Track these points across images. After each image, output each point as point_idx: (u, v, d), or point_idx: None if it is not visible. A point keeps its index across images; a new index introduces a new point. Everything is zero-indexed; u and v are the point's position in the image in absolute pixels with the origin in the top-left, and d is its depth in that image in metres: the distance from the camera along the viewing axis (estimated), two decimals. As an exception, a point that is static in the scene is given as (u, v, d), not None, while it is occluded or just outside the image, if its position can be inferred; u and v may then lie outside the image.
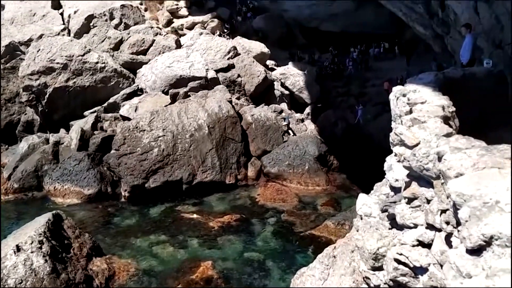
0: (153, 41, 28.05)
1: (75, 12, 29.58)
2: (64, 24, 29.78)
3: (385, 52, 37.67)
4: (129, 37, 28.18)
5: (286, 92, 27.96)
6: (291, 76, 28.80)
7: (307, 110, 27.50)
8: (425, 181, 3.40)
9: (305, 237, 15.18)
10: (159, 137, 20.30)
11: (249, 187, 20.46)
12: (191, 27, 33.23)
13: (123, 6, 30.14)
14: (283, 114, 24.94)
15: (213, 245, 14.70)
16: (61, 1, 31.41)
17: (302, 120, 25.99)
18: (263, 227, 16.35)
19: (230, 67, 26.45)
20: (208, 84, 24.29)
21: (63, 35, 28.28)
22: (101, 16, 29.09)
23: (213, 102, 21.99)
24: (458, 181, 2.42)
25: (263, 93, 26.82)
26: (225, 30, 34.14)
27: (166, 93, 23.96)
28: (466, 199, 2.21)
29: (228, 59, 27.34)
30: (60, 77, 23.75)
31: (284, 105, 26.80)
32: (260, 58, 29.05)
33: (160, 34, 29.74)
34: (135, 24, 30.15)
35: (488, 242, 1.93)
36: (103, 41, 27.95)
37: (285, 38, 36.92)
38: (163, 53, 27.02)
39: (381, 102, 24.21)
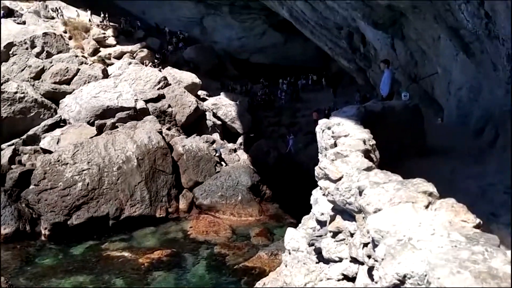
0: (78, 70, 27.03)
1: (-8, 40, 27.80)
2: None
3: (313, 84, 39.12)
4: (52, 66, 26.94)
5: (218, 122, 27.96)
6: (223, 106, 28.92)
7: (240, 140, 27.64)
8: (349, 214, 3.41)
9: (238, 269, 14.89)
10: (84, 170, 19.26)
11: (181, 220, 19.89)
12: (119, 57, 32.45)
13: (45, 34, 28.84)
14: (215, 145, 24.83)
15: (142, 284, 13.95)
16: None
17: (235, 150, 26.00)
18: (195, 261, 15.85)
19: (161, 97, 26.02)
20: (137, 114, 23.66)
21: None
22: (21, 44, 27.61)
23: (143, 133, 21.38)
24: (376, 217, 2.42)
25: (195, 124, 26.60)
26: (156, 60, 33.75)
27: (91, 124, 22.97)
28: (383, 235, 2.20)
29: (158, 89, 26.92)
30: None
31: (216, 135, 26.73)
32: (192, 89, 28.94)
33: (85, 63, 28.75)
34: (59, 52, 28.88)
35: (402, 281, 1.90)
36: (23, 70, 26.47)
37: (217, 68, 37.22)
38: (88, 82, 26.07)
39: (311, 132, 24.87)
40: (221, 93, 31.24)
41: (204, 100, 29.68)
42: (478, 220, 2.29)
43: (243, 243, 17.43)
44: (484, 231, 4.58)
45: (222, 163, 23.81)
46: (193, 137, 24.23)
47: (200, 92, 30.39)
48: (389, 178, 3.11)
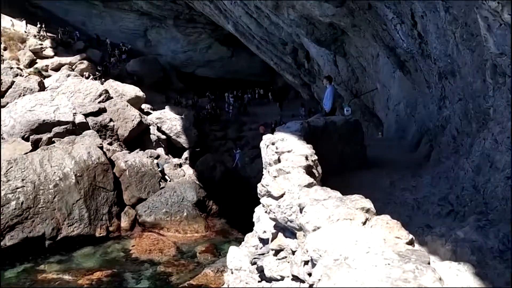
0: (13, 82, 25.61)
1: None
2: None
3: (259, 98, 39.53)
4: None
5: (163, 136, 27.41)
6: (168, 120, 28.42)
7: (185, 154, 27.22)
8: (290, 232, 3.38)
9: (183, 288, 14.52)
10: (17, 188, 18.12)
11: (123, 239, 19.15)
12: (57, 69, 31.12)
13: (-24, 44, 27.17)
14: (159, 159, 24.28)
15: (81, 307, 13.24)
16: None
17: (180, 165, 25.56)
18: (137, 281, 15.29)
19: (102, 111, 25.12)
20: (76, 129, 22.66)
21: None
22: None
23: (82, 149, 20.48)
24: (315, 235, 2.41)
25: (138, 138, 25.89)
26: (97, 73, 32.70)
27: (26, 139, 21.71)
28: (321, 255, 2.18)
29: (99, 102, 25.99)
30: None
31: (160, 150, 26.17)
32: (135, 102, 28.23)
33: (20, 75, 27.31)
34: (-9, 63, 27.26)
35: (338, 303, 1.87)
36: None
37: (161, 82, 36.62)
38: (23, 95, 24.74)
39: (258, 146, 25.03)
40: (166, 107, 30.72)
41: (148, 114, 29.04)
42: (410, 237, 2.33)
43: (189, 261, 17.06)
44: (419, 243, 4.73)
45: (167, 178, 23.29)
46: (136, 152, 23.54)
47: (144, 106, 29.71)
48: (328, 194, 3.13)
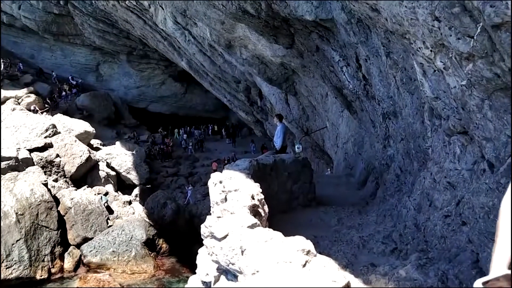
0: (-49, 115, 24.22)
1: None
2: None
3: (213, 134, 39.58)
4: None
5: (113, 173, 26.65)
6: (118, 156, 27.75)
7: (135, 191, 26.49)
8: (233, 275, 3.32)
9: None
10: (-51, 228, 16.86)
11: (65, 281, 18.11)
12: (2, 102, 29.85)
13: None
14: (99, 194, 23.40)
15: None
16: None
17: (130, 203, 24.79)
18: (79, 328, 14.37)
19: (48, 146, 24.18)
20: (19, 165, 21.61)
21: None
22: None
23: (24, 186, 19.49)
24: (253, 279, 2.38)
25: (86, 174, 25.03)
26: (46, 105, 31.69)
27: (-37, 175, 20.42)
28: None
29: (46, 137, 25.04)
30: None
31: (110, 187, 25.34)
32: (84, 137, 27.45)
33: (-39, 107, 25.93)
34: None
35: None
36: None
37: (113, 117, 35.98)
38: (-37, 129, 23.39)
39: (209, 183, 24.83)
40: (117, 142, 30.05)
41: (97, 149, 28.27)
42: (346, 280, 2.36)
43: (136, 303, 16.31)
44: (364, 282, 4.78)
45: (113, 215, 22.43)
46: (83, 189, 22.68)
47: (93, 141, 28.93)
48: (270, 236, 3.12)
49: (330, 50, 11.08)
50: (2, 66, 34.63)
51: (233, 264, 3.12)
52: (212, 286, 3.70)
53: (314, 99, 18.11)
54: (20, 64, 36.35)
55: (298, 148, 15.71)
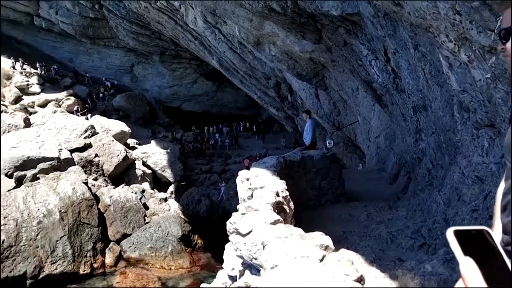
0: (-3, 119, 25.51)
1: None
2: None
3: (245, 131, 39.89)
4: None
5: (148, 171, 27.35)
6: (153, 154, 28.44)
7: (171, 188, 27.09)
8: (256, 269, 3.45)
9: (167, 326, 14.20)
10: (-2, 226, 17.81)
11: (107, 276, 18.78)
12: (43, 105, 31.22)
13: (-39, 81, 27.24)
14: (135, 189, 24.14)
15: None
16: None
17: (165, 200, 25.40)
18: (121, 320, 14.92)
19: (87, 146, 25.12)
20: (61, 165, 22.57)
21: None
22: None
23: (66, 185, 20.32)
24: (271, 273, 2.50)
25: (123, 173, 25.81)
26: (87, 106, 32.92)
27: (10, 176, 21.51)
28: (273, 294, 2.26)
29: (85, 138, 26.02)
30: None
31: (146, 185, 26.04)
32: (120, 137, 28.29)
33: (6, 112, 27.27)
34: (-24, 100, 27.27)
35: None
36: None
37: (147, 116, 36.87)
38: (8, 132, 24.65)
39: (242, 179, 25.07)
40: (152, 141, 30.80)
41: (133, 148, 29.06)
42: (359, 274, 2.44)
43: (174, 297, 16.76)
44: (390, 277, 4.81)
45: (149, 211, 23.07)
46: (121, 187, 23.42)
47: (129, 141, 29.76)
48: (290, 232, 3.23)
49: (358, 44, 11.00)
50: (39, 69, 36.15)
51: (255, 259, 3.25)
52: (237, 280, 3.84)
53: (345, 93, 17.97)
54: (55, 67, 37.76)
55: (329, 143, 15.69)
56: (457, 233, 0.92)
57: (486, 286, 0.78)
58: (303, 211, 6.51)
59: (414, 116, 9.77)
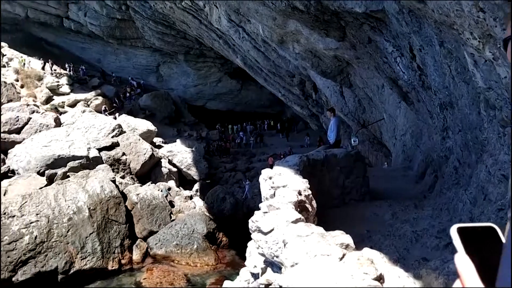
0: (29, 119, 26.39)
1: None
2: None
3: (269, 129, 39.95)
4: (1, 115, 26.17)
5: (174, 169, 27.74)
6: (179, 153, 28.82)
7: (196, 186, 27.42)
8: (278, 267, 3.50)
9: (193, 322, 14.42)
10: (32, 223, 18.42)
11: (134, 272, 19.17)
12: (73, 105, 32.07)
13: (-5, 82, 28.22)
14: (161, 186, 24.51)
15: None
16: None
17: (191, 197, 25.72)
18: (148, 316, 15.22)
19: (115, 145, 25.68)
20: (90, 163, 23.16)
21: None
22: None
23: (95, 182, 20.84)
24: (291, 271, 2.54)
25: (150, 171, 26.27)
26: (115, 105, 33.64)
27: (41, 174, 22.22)
28: (293, 292, 2.31)
29: (113, 137, 26.60)
30: None
31: (172, 183, 26.43)
32: (147, 136, 28.79)
33: (37, 112, 28.16)
34: (9, 101, 28.24)
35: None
36: (-32, 119, 25.55)
37: (173, 115, 37.38)
38: (40, 131, 25.46)
39: (267, 177, 25.13)
40: (177, 140, 31.22)
41: (159, 147, 29.53)
42: (379, 272, 2.45)
43: (199, 294, 16.98)
44: (414, 276, 4.78)
45: (175, 209, 23.41)
46: (147, 185, 23.85)
47: (155, 139, 30.26)
48: (311, 230, 3.26)
49: (382, 41, 10.87)
50: (68, 69, 37.14)
51: (277, 256, 3.30)
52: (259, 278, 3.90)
53: (370, 90, 17.78)
54: (83, 67, 38.67)
55: (354, 141, 15.57)
56: (462, 230, 0.93)
57: (482, 285, 0.80)
58: (326, 209, 6.52)
59: (440, 114, 9.61)
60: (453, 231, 0.93)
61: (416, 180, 11.32)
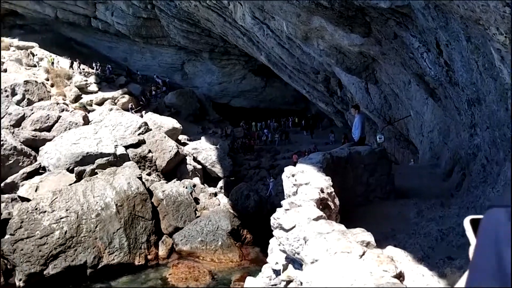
0: (59, 117, 27.11)
1: (-28, 88, 27.88)
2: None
3: (294, 126, 39.82)
4: (32, 113, 27.01)
5: (199, 166, 28.01)
6: (203, 150, 29.07)
7: (220, 183, 27.61)
8: (299, 264, 3.53)
9: (217, 318, 14.57)
10: (62, 218, 18.96)
11: (160, 267, 19.50)
12: (100, 103, 32.77)
13: (26, 81, 29.09)
14: (186, 182, 24.78)
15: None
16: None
17: (215, 194, 25.94)
18: (174, 310, 15.46)
19: (141, 142, 26.13)
20: (117, 160, 23.64)
21: (-43, 111, 26.35)
22: (1, 92, 27.73)
23: (122, 179, 21.27)
24: (311, 267, 2.56)
25: (175, 168, 26.62)
26: (141, 103, 34.24)
27: (71, 171, 22.84)
28: (310, 286, 2.33)
29: (139, 134, 27.08)
30: None
31: (196, 180, 26.71)
32: (172, 133, 29.16)
33: (66, 110, 28.90)
34: (40, 100, 29.07)
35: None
36: (2, 117, 26.42)
37: (198, 113, 37.72)
38: (69, 129, 26.13)
39: (291, 174, 25.09)
40: (202, 137, 31.51)
41: (184, 144, 29.86)
42: (398, 270, 2.45)
43: (223, 290, 17.14)
44: (439, 275, 4.72)
45: (199, 205, 23.66)
46: (173, 182, 24.19)
47: (181, 137, 30.61)
48: (332, 228, 3.27)
49: (408, 36, 10.70)
50: (95, 68, 37.97)
51: (298, 253, 3.33)
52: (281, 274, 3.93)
53: (396, 86, 17.52)
54: (109, 66, 39.41)
55: (380, 138, 15.37)
56: (475, 222, 0.93)
57: None
58: (350, 207, 6.49)
59: (468, 110, 9.40)
60: (466, 222, 0.94)
61: (443, 177, 11.13)
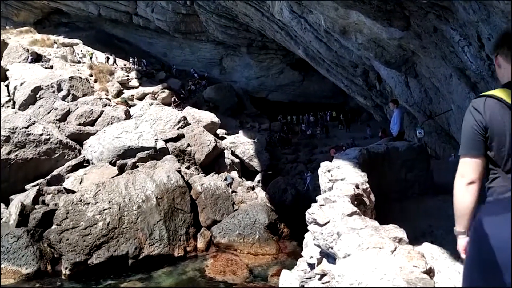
0: (102, 112, 28.11)
1: (21, 84, 29.36)
2: (9, 96, 29.39)
3: (331, 120, 39.53)
4: (77, 108, 28.14)
5: (237, 160, 28.35)
6: (241, 144, 29.39)
7: (258, 177, 27.85)
8: (333, 258, 3.62)
9: (255, 310, 14.81)
10: (105, 210, 19.73)
11: (199, 259, 19.94)
12: (141, 98, 33.69)
13: (71, 77, 30.33)
14: (225, 174, 25.24)
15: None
16: (7, 73, 31.20)
17: (253, 188, 26.19)
18: (212, 301, 15.82)
19: (180, 137, 26.73)
20: (157, 154, 24.31)
21: (8, 107, 27.83)
22: (48, 87, 29.05)
23: (162, 173, 21.87)
24: (343, 262, 2.66)
25: (213, 162, 27.07)
26: (178, 99, 35.00)
27: (113, 164, 23.68)
28: (342, 279, 2.43)
29: (178, 129, 27.71)
30: (1, 150, 23.04)
31: (234, 173, 27.05)
32: (211, 128, 29.64)
33: (109, 105, 29.90)
34: (84, 95, 30.24)
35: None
36: (49, 112, 27.71)
37: (236, 107, 38.10)
38: (111, 124, 27.04)
39: (328, 169, 24.98)
40: (240, 131, 31.84)
41: (222, 138, 30.28)
42: (428, 266, 2.50)
43: (261, 283, 17.33)
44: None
45: (237, 199, 23.98)
46: (211, 175, 24.63)
47: (219, 131, 31.06)
48: (365, 224, 3.35)
49: (449, 30, 10.47)
50: (132, 63, 39.04)
51: (331, 248, 3.43)
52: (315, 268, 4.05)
53: (437, 80, 17.07)
54: (144, 61, 40.35)
55: (419, 133, 15.10)
56: None
57: None
58: (387, 203, 6.49)
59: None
60: None
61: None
